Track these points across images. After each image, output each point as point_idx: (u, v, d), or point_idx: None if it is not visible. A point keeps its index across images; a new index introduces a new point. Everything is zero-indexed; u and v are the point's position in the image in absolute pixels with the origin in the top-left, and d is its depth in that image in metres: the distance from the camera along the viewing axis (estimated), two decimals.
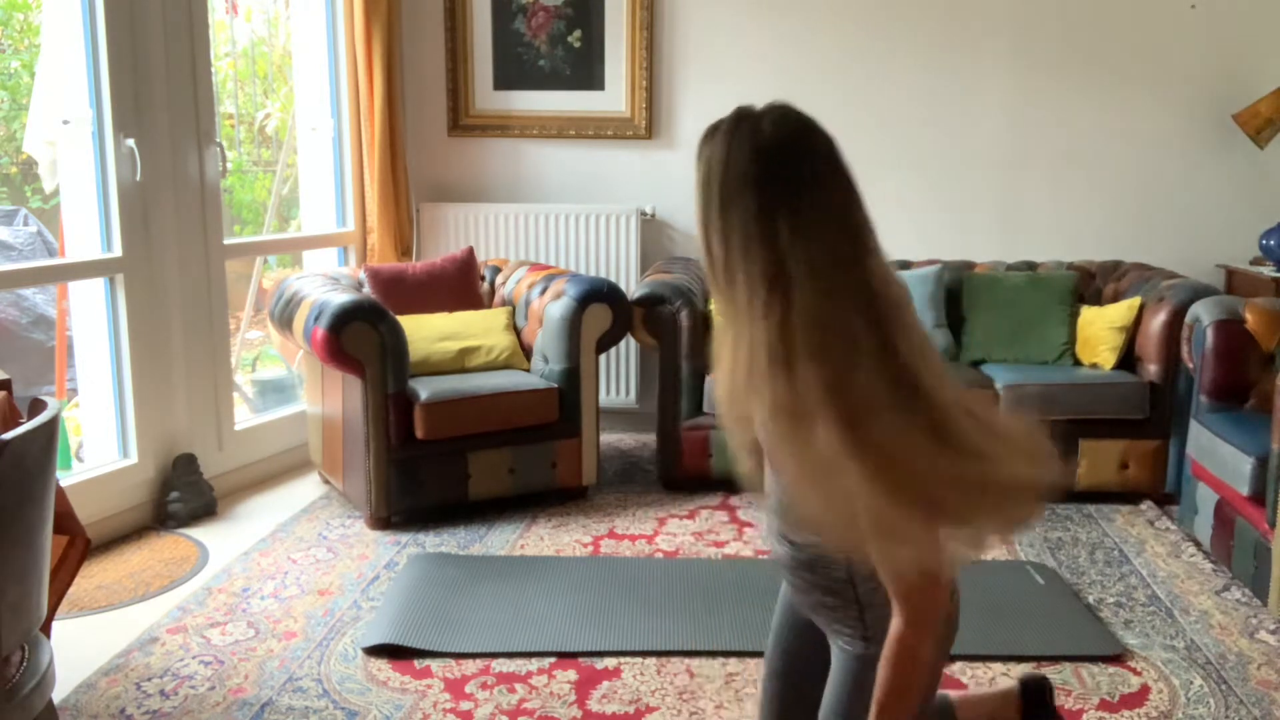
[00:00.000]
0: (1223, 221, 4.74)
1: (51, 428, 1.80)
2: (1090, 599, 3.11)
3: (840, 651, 1.57)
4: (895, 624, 1.35)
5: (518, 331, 4.08)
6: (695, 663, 2.69)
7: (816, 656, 1.63)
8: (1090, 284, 4.40)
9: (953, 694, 2.23)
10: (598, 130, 4.91)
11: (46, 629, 2.12)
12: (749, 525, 3.67)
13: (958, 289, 4.34)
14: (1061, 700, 2.52)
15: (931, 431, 1.25)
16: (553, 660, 2.71)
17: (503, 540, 3.53)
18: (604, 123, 4.90)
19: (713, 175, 1.28)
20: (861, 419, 1.21)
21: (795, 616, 1.71)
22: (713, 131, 1.32)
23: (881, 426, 1.22)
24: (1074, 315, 4.18)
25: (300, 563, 3.35)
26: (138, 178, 3.56)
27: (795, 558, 1.55)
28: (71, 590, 2.82)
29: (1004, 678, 2.64)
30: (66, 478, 3.40)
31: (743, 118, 1.30)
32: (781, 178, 1.24)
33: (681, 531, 3.63)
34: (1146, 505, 3.90)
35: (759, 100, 1.43)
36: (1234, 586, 3.19)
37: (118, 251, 3.55)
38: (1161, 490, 3.90)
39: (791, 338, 1.22)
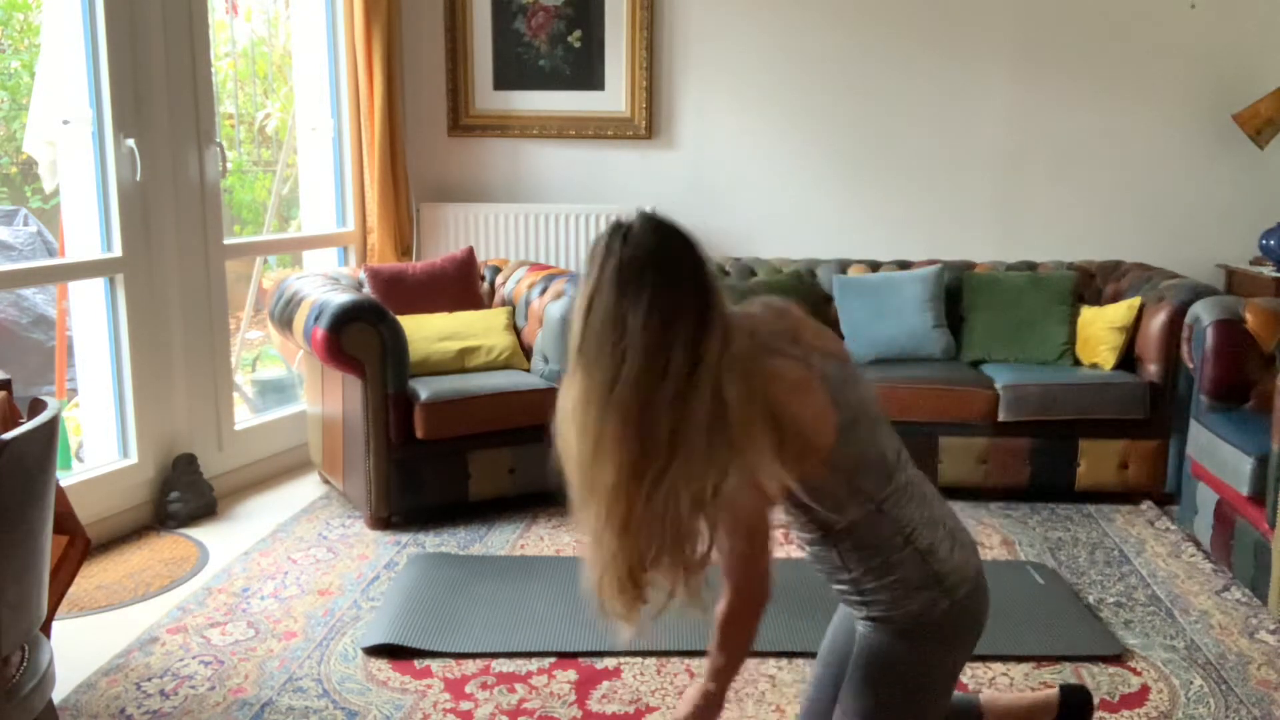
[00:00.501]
0: (1223, 221, 4.74)
1: (51, 428, 1.80)
2: (1090, 599, 3.11)
3: (857, 629, 1.83)
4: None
5: (518, 331, 4.08)
6: (695, 663, 2.69)
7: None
8: (1090, 284, 4.41)
9: (982, 695, 2.29)
10: (598, 130, 4.91)
11: (46, 629, 2.12)
12: None
13: (958, 289, 4.35)
14: None
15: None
16: (553, 660, 2.71)
17: (503, 540, 3.53)
18: (604, 123, 4.90)
19: (588, 278, 1.60)
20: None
21: (845, 614, 1.97)
22: (597, 243, 1.62)
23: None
24: (1074, 315, 4.18)
25: (300, 563, 3.35)
26: (138, 178, 3.56)
27: (810, 555, 1.83)
28: (71, 590, 2.81)
29: (1003, 678, 2.65)
30: (66, 478, 3.40)
31: (615, 231, 1.60)
32: (632, 282, 1.56)
33: None
34: (1146, 505, 3.90)
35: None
36: (1234, 586, 3.19)
37: (118, 251, 3.55)
38: (1161, 490, 3.90)
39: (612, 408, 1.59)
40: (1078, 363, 4.10)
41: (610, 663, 2.70)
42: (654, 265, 1.59)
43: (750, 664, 2.68)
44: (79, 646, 2.77)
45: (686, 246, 1.64)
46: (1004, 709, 2.15)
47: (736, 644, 1.84)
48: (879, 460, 1.72)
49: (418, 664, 2.69)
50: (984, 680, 2.62)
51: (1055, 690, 2.18)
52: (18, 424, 1.98)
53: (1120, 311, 4.03)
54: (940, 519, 1.78)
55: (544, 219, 4.81)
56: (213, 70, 3.90)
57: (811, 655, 2.71)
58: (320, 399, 3.93)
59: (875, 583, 1.74)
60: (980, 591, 1.81)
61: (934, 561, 1.74)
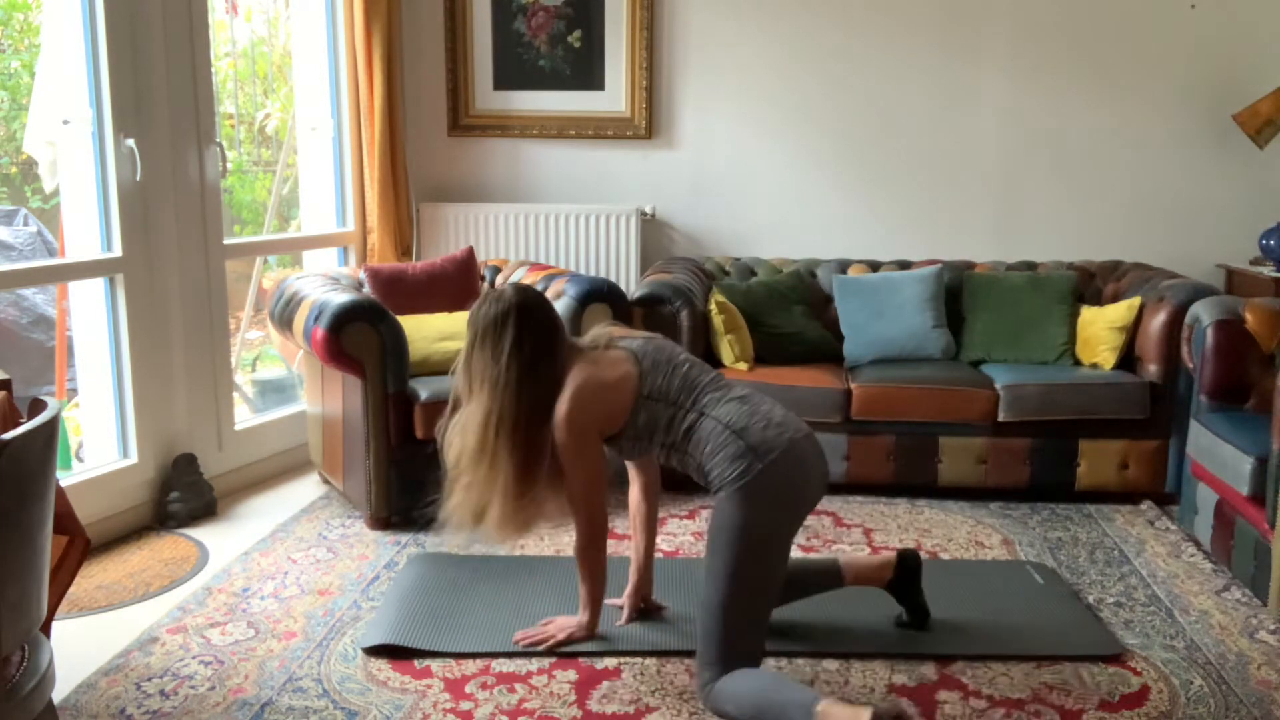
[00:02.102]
0: (1223, 221, 4.74)
1: (51, 428, 1.80)
2: (1090, 599, 3.11)
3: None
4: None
5: None
6: (695, 662, 2.69)
7: None
8: (1090, 284, 4.41)
9: (841, 556, 2.97)
10: (598, 130, 4.91)
11: (46, 629, 2.12)
12: None
13: (958, 289, 4.35)
14: (1061, 700, 2.53)
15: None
16: (553, 660, 2.71)
17: None
18: (604, 123, 4.90)
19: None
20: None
21: None
22: (476, 311, 2.69)
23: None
24: (1074, 315, 4.18)
25: (300, 563, 3.35)
26: (138, 178, 3.56)
27: (681, 468, 2.62)
28: (71, 590, 2.82)
29: (1004, 679, 2.65)
30: (66, 478, 3.40)
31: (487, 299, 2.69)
32: (499, 336, 2.60)
33: (681, 531, 3.63)
34: (1146, 505, 3.90)
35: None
36: (1234, 586, 3.19)
37: (118, 251, 3.55)
38: (1161, 490, 3.90)
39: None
40: (1078, 363, 4.10)
41: (610, 663, 2.70)
42: (509, 321, 2.59)
43: None
44: (79, 646, 2.77)
45: (522, 312, 2.60)
46: (857, 564, 2.85)
47: (591, 571, 2.72)
48: (687, 387, 2.55)
49: (418, 664, 2.69)
50: (984, 680, 2.62)
51: (892, 554, 2.82)
52: (18, 424, 1.98)
53: (1120, 311, 4.03)
54: (758, 411, 2.49)
55: (544, 219, 4.81)
56: (213, 70, 3.90)
57: (811, 655, 2.72)
58: (320, 399, 3.93)
59: (711, 461, 2.46)
60: (790, 457, 2.42)
61: (747, 437, 2.43)
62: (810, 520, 3.71)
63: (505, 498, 2.53)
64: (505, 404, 2.52)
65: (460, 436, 2.58)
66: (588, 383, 2.55)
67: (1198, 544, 3.52)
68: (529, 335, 2.56)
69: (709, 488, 2.51)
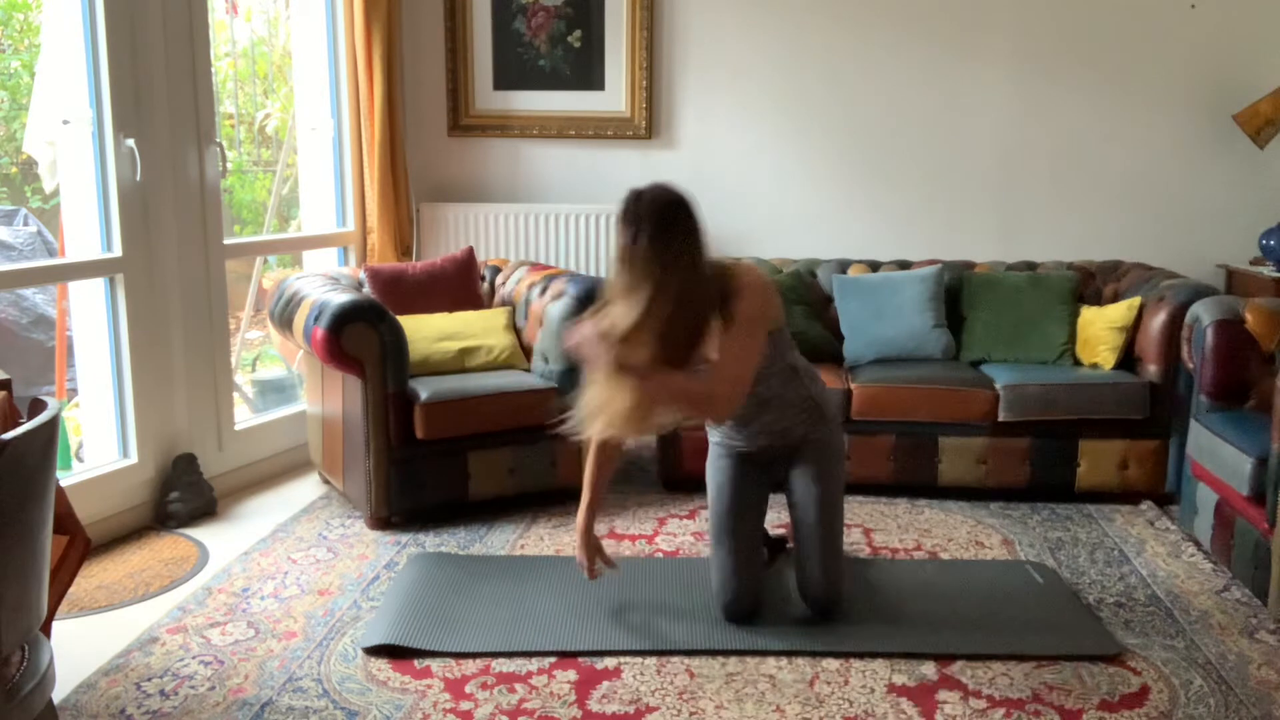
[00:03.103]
0: (1223, 221, 4.74)
1: (51, 428, 1.80)
2: (1090, 599, 3.11)
3: (806, 444, 2.90)
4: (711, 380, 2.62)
5: (518, 331, 4.08)
6: (695, 663, 2.69)
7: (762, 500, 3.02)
8: (1090, 284, 4.40)
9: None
10: (598, 130, 4.91)
11: (46, 629, 2.12)
12: None
13: (958, 289, 4.34)
14: (1061, 700, 2.53)
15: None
16: (553, 660, 2.71)
17: (503, 540, 3.53)
18: (604, 123, 4.90)
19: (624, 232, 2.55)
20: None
21: (744, 478, 2.93)
22: (626, 204, 2.54)
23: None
24: (1074, 315, 4.17)
25: (300, 563, 3.35)
26: (138, 178, 3.56)
27: (780, 403, 2.83)
28: (71, 590, 2.82)
29: (1004, 679, 2.65)
30: (66, 478, 3.40)
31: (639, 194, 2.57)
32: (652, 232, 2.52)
33: (681, 531, 3.63)
34: (1146, 505, 3.90)
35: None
36: (1234, 586, 3.19)
37: (118, 251, 3.55)
38: (1161, 490, 3.90)
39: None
40: (1078, 363, 4.10)
41: (610, 663, 2.70)
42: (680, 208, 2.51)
43: (750, 664, 2.68)
44: (79, 646, 2.77)
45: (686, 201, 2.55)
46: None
47: (674, 389, 2.59)
48: (793, 346, 2.86)
49: (418, 664, 2.69)
50: (984, 680, 2.62)
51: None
52: (18, 424, 1.98)
53: (1120, 311, 4.03)
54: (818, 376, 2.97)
55: (544, 219, 4.82)
56: (213, 70, 3.90)
57: (811, 655, 2.72)
58: (320, 399, 3.93)
59: (826, 394, 2.92)
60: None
61: (822, 387, 2.95)
62: None
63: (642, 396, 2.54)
64: (675, 295, 2.47)
65: (618, 324, 2.51)
66: (766, 281, 2.67)
67: (1198, 544, 3.52)
68: (697, 227, 2.54)
69: (800, 415, 2.84)
